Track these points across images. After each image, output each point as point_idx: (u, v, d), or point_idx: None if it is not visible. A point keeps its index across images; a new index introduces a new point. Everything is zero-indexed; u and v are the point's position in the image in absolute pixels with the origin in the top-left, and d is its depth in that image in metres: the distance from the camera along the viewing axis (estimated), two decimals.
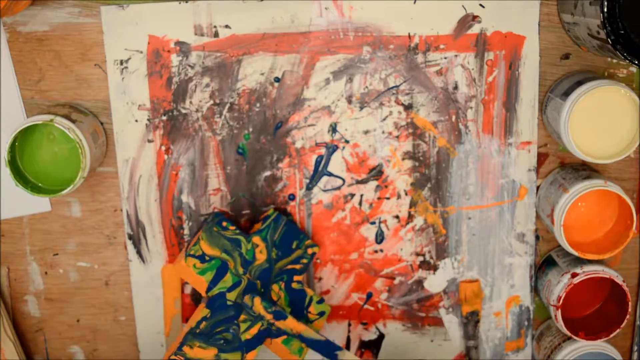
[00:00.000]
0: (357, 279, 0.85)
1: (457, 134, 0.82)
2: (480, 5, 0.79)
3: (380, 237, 0.84)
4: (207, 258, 0.79)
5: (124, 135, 0.81)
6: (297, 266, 0.81)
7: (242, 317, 0.78)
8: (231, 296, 0.79)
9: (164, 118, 0.81)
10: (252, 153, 0.82)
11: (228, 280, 0.79)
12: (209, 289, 0.79)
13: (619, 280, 0.79)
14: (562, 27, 0.80)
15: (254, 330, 0.78)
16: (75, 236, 0.84)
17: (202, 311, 0.79)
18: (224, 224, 0.79)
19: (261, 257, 0.80)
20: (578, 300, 0.83)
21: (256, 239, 0.80)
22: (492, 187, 0.83)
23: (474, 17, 0.79)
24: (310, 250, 0.81)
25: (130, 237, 0.84)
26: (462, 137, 0.82)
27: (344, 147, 0.82)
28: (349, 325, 0.86)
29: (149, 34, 0.79)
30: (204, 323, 0.78)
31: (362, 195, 0.83)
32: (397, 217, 0.84)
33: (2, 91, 0.80)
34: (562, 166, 0.83)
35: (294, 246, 0.81)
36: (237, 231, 0.80)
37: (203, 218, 0.83)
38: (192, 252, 0.79)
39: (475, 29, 0.79)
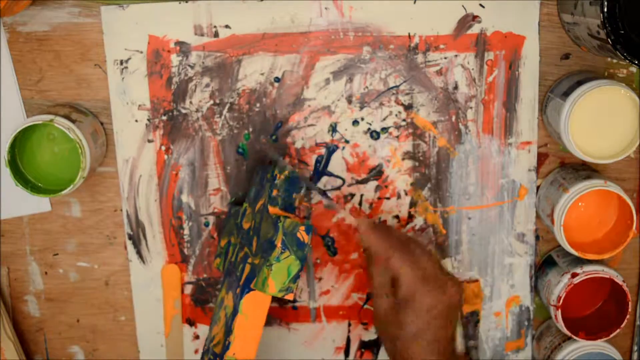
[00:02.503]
0: (357, 279, 0.85)
1: (457, 134, 0.82)
2: (480, 5, 0.79)
3: None
4: (222, 251, 0.81)
5: (124, 135, 0.81)
6: (263, 199, 0.75)
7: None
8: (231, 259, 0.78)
9: (164, 118, 0.81)
10: (252, 153, 0.82)
11: (230, 253, 0.79)
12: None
13: (619, 280, 0.79)
14: (562, 27, 0.80)
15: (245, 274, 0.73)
16: (75, 236, 0.84)
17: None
18: (233, 211, 0.81)
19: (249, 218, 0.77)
20: (578, 300, 0.83)
21: (245, 205, 0.79)
22: (492, 187, 0.83)
23: (474, 17, 0.79)
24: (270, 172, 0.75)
25: (130, 237, 0.84)
26: (462, 137, 0.82)
27: (344, 147, 0.82)
28: (349, 325, 0.86)
29: (149, 34, 0.79)
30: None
31: (362, 195, 0.83)
32: (397, 217, 0.84)
33: (2, 91, 0.80)
34: (562, 166, 0.83)
35: (266, 178, 0.77)
36: (237, 208, 0.80)
37: (203, 218, 0.83)
38: (216, 254, 0.82)
39: (475, 29, 0.79)
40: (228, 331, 0.70)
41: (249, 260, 0.73)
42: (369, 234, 0.76)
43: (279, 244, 0.68)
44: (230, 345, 0.69)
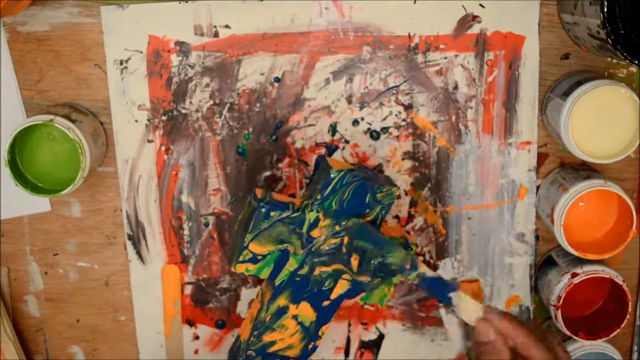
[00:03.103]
0: None
1: (457, 134, 0.82)
2: (480, 5, 0.79)
3: None
4: (259, 257, 0.73)
5: (123, 135, 0.81)
6: (366, 218, 0.74)
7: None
8: (302, 272, 0.74)
9: (164, 118, 0.81)
10: (252, 153, 0.82)
11: (292, 264, 0.73)
12: (271, 278, 0.74)
13: (619, 280, 0.79)
14: (562, 27, 0.80)
15: (339, 289, 0.75)
16: (75, 236, 0.84)
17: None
18: (272, 213, 0.71)
19: (323, 231, 0.73)
20: (578, 300, 0.83)
21: (313, 215, 0.72)
22: (492, 187, 0.83)
23: (474, 17, 0.79)
24: (384, 193, 0.73)
25: (130, 238, 0.84)
26: (462, 137, 0.82)
27: (344, 147, 0.82)
28: (349, 325, 0.86)
29: (149, 34, 0.79)
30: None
31: None
32: (397, 217, 0.84)
33: (2, 91, 0.80)
34: (562, 166, 0.83)
35: (367, 200, 0.73)
36: (290, 213, 0.72)
37: (203, 218, 0.83)
38: (242, 258, 0.73)
39: (475, 29, 0.79)
40: (314, 338, 0.77)
41: (345, 277, 0.74)
42: (510, 330, 0.69)
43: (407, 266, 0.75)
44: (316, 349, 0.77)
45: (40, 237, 0.84)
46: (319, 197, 0.72)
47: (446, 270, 0.85)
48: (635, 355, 0.87)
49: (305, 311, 0.76)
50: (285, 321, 0.76)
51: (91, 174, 0.79)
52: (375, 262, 0.74)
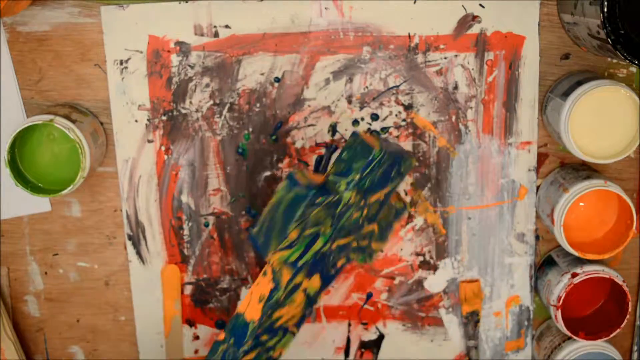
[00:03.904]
0: (357, 279, 0.85)
1: (457, 134, 0.82)
2: (480, 5, 0.79)
3: None
4: (294, 243, 0.72)
5: (123, 135, 0.81)
6: (386, 190, 0.73)
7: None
8: (324, 249, 0.73)
9: (164, 118, 0.81)
10: (252, 153, 0.82)
11: (319, 243, 0.73)
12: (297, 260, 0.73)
13: (619, 280, 0.79)
14: (562, 27, 0.80)
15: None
16: (75, 236, 0.84)
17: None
18: (318, 200, 0.70)
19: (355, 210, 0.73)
20: (578, 300, 0.83)
21: (348, 195, 0.71)
22: (492, 187, 0.83)
23: (474, 17, 0.79)
24: (407, 166, 0.74)
25: (130, 238, 0.84)
26: (462, 137, 0.82)
27: None
28: (349, 325, 0.86)
29: (149, 34, 0.79)
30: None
31: None
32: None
33: (2, 91, 0.80)
34: (562, 166, 0.83)
35: (392, 174, 0.73)
36: (330, 197, 0.71)
37: (203, 218, 0.83)
38: (281, 246, 0.72)
39: (475, 29, 0.79)
40: (313, 304, 0.75)
41: (354, 244, 0.75)
42: None
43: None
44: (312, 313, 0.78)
45: (40, 237, 0.84)
46: (357, 177, 0.71)
47: (446, 270, 0.85)
48: (635, 355, 0.87)
49: (314, 283, 0.74)
50: (295, 295, 0.74)
51: (91, 174, 0.79)
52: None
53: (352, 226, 0.73)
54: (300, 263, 0.73)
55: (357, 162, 0.72)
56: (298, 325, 0.76)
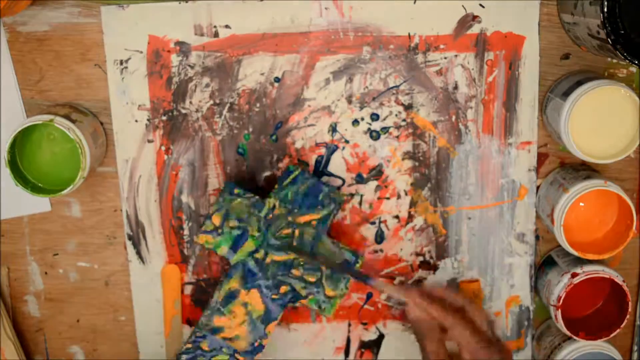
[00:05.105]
0: None
1: (457, 134, 0.82)
2: (480, 5, 0.79)
3: (380, 237, 0.84)
4: (219, 231, 0.78)
5: (124, 135, 0.81)
6: (317, 215, 0.79)
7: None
8: (257, 256, 0.79)
9: (164, 118, 0.81)
10: (252, 153, 0.82)
11: (250, 245, 0.78)
12: (228, 256, 0.79)
13: (619, 280, 0.79)
14: (562, 27, 0.80)
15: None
16: (75, 236, 0.84)
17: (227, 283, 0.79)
18: (236, 191, 0.78)
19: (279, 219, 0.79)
20: (578, 300, 0.83)
21: (272, 201, 0.78)
22: (492, 187, 0.83)
23: (474, 17, 0.79)
24: (336, 193, 0.79)
25: (130, 238, 0.84)
26: (462, 137, 0.82)
27: (344, 147, 0.82)
28: (349, 325, 0.86)
29: (149, 34, 0.79)
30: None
31: (362, 196, 0.83)
32: (397, 217, 0.84)
33: (2, 91, 0.80)
34: (562, 166, 0.83)
35: (320, 198, 0.79)
36: (251, 195, 0.78)
37: (203, 218, 0.83)
38: (204, 229, 0.78)
39: (475, 29, 0.79)
40: (261, 336, 0.79)
41: (295, 273, 0.78)
42: (423, 308, 0.76)
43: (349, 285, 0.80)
44: (263, 348, 0.79)
45: (40, 237, 0.84)
46: (276, 186, 0.78)
47: (446, 270, 0.85)
48: (635, 355, 0.87)
49: (254, 301, 0.78)
50: (235, 307, 0.78)
51: (91, 174, 0.79)
52: (328, 267, 0.79)
53: (284, 244, 0.78)
54: (232, 261, 0.78)
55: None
56: (247, 354, 0.78)
